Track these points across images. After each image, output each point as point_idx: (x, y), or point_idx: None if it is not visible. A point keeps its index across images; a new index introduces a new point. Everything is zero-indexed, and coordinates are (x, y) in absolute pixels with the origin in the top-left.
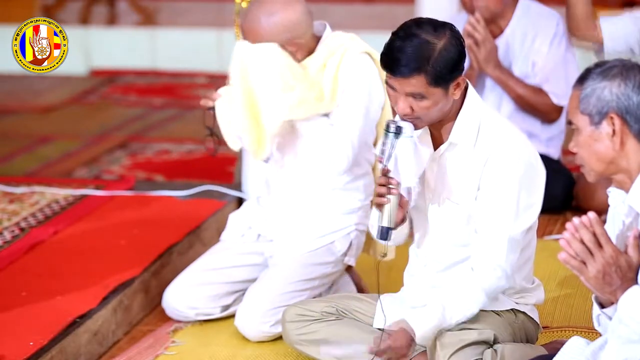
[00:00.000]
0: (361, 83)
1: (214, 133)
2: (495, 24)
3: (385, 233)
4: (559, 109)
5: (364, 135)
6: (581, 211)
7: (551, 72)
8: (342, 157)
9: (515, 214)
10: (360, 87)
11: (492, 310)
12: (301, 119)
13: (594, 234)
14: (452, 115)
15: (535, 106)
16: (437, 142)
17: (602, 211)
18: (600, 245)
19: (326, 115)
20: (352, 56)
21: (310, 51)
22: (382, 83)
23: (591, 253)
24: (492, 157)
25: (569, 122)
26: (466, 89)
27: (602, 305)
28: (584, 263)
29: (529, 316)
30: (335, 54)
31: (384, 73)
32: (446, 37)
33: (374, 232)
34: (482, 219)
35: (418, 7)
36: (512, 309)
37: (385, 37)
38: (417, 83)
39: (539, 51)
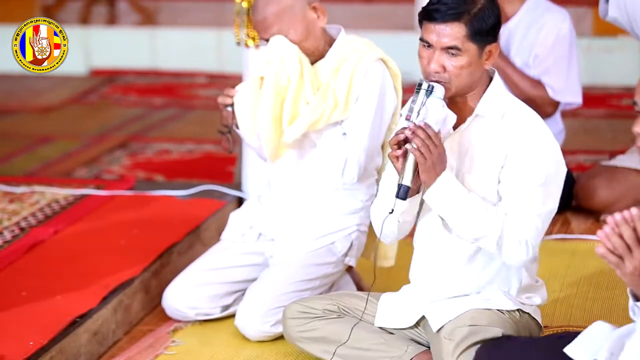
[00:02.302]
0: (374, 93)
1: (232, 131)
2: (501, 11)
3: (404, 192)
4: (554, 104)
5: (374, 144)
6: (581, 211)
7: (552, 65)
8: (354, 168)
9: (542, 195)
10: (373, 97)
11: (497, 309)
12: (320, 128)
13: (635, 230)
14: (478, 91)
15: (531, 97)
16: (459, 120)
17: (602, 210)
18: (639, 242)
19: (338, 122)
20: (367, 63)
21: (323, 50)
22: (395, 90)
23: (630, 249)
24: (520, 135)
25: (635, 103)
26: (491, 77)
27: (636, 298)
28: (622, 258)
29: (532, 317)
30: (350, 59)
31: (398, 80)
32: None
33: (383, 206)
34: (509, 197)
35: (418, 6)
36: (517, 309)
37: (385, 37)
38: (455, 33)
39: (543, 44)
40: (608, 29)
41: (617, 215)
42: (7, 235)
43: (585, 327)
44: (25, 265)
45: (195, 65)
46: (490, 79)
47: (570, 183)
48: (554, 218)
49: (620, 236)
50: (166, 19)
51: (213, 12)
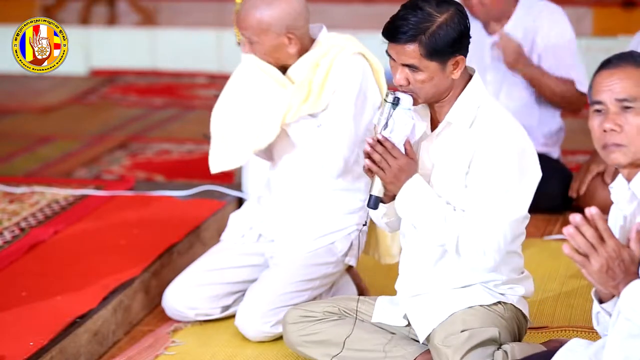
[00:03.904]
0: (353, 85)
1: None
2: (499, 22)
3: (374, 202)
4: (584, 98)
5: (356, 137)
6: (581, 211)
7: (570, 61)
8: (336, 161)
9: (505, 201)
10: (352, 89)
11: (480, 305)
12: (290, 122)
13: (597, 229)
14: (452, 97)
15: (567, 98)
16: (435, 124)
17: (602, 210)
18: (603, 240)
19: (312, 115)
20: (345, 56)
21: (305, 50)
22: (377, 83)
23: (594, 248)
24: (484, 140)
25: (623, 100)
26: (471, 76)
27: (601, 301)
28: (588, 257)
29: (517, 307)
30: (329, 54)
31: (380, 75)
32: (449, 13)
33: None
34: (472, 204)
35: None
36: (498, 302)
37: None
38: (411, 53)
39: (545, 45)
40: (608, 29)
41: (577, 217)
42: (7, 235)
43: (585, 327)
44: (25, 265)
45: (195, 65)
46: (467, 81)
47: (569, 184)
48: (554, 218)
49: (584, 236)
50: (166, 19)
51: (213, 12)
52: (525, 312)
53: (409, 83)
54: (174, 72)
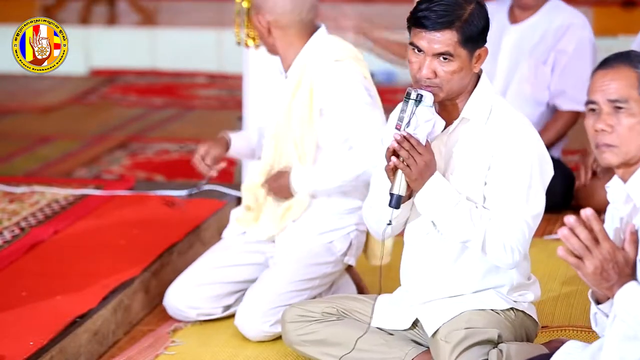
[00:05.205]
0: (351, 94)
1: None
2: (527, 11)
3: (397, 201)
4: (578, 116)
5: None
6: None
7: (576, 75)
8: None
9: (527, 196)
10: (355, 97)
11: (491, 309)
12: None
13: (591, 231)
14: (464, 95)
15: (571, 124)
16: (447, 122)
17: (602, 210)
18: (597, 242)
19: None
20: (326, 69)
21: (293, 48)
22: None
23: (589, 249)
24: (504, 138)
25: (615, 100)
26: (479, 76)
27: (598, 302)
28: (582, 259)
29: (527, 314)
30: (307, 70)
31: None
32: (474, 4)
33: (377, 211)
34: (494, 200)
35: None
36: (511, 308)
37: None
38: (447, 40)
39: (565, 50)
40: (608, 29)
41: (571, 218)
42: (7, 235)
43: (585, 327)
44: (25, 265)
45: (195, 65)
46: (477, 80)
47: (570, 182)
48: (554, 218)
49: (578, 237)
50: (166, 19)
51: (213, 12)
52: (535, 317)
53: (435, 76)
54: (173, 72)
